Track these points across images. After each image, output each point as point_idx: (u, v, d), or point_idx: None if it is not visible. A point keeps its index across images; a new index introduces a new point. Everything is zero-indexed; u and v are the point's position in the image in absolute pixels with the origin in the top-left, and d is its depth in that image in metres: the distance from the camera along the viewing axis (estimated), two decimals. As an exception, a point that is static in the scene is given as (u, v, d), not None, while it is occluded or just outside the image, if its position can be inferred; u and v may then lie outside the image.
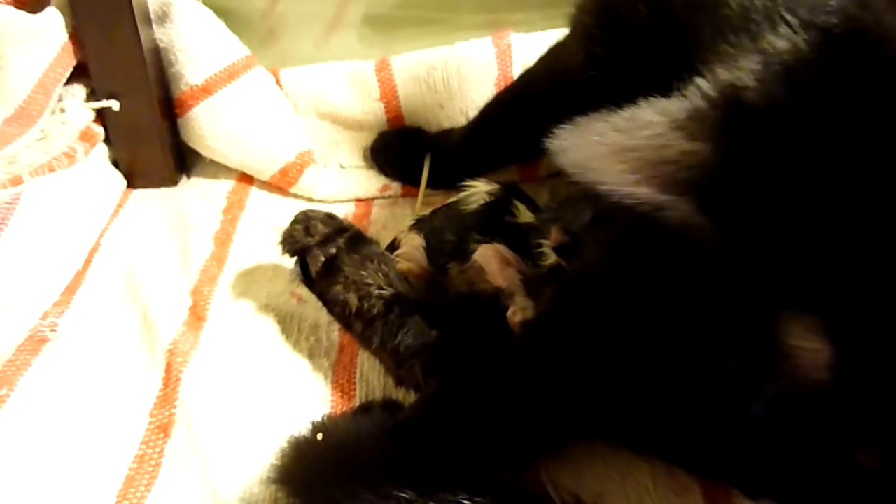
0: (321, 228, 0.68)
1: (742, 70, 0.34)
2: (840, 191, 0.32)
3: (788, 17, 0.35)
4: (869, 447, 0.46)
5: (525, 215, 0.68)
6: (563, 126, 0.35)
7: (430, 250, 0.70)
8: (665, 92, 0.36)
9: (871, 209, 0.32)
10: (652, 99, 0.35)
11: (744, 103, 0.33)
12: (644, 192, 0.33)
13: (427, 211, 0.75)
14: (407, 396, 0.63)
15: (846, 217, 0.32)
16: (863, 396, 0.34)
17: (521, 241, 0.65)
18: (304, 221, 0.69)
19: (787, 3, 0.35)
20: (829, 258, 0.33)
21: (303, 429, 0.55)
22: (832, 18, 0.33)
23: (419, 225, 0.73)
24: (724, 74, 0.35)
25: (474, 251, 0.67)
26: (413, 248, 0.71)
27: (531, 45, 0.83)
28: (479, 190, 0.71)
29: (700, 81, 0.35)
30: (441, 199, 0.75)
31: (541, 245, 0.63)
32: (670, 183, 0.33)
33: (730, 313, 0.37)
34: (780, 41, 0.34)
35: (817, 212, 0.32)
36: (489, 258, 0.66)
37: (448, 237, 0.69)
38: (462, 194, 0.72)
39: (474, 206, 0.70)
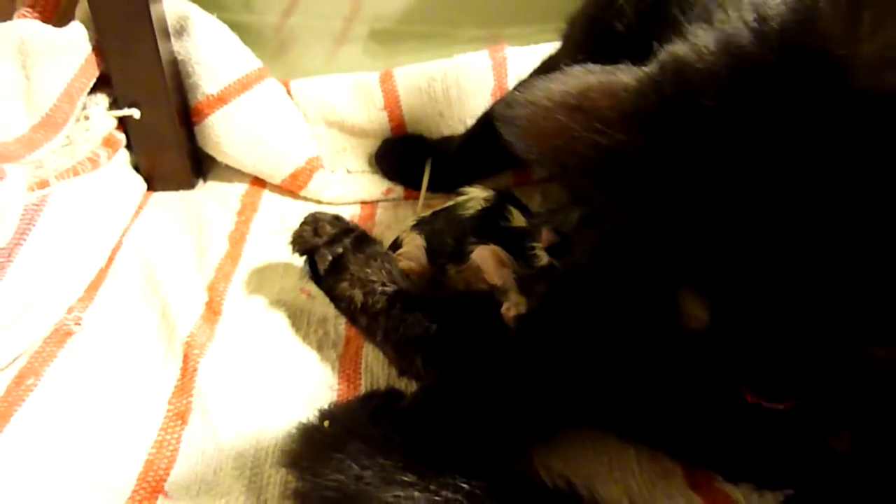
0: (329, 229, 0.69)
1: (696, 40, 0.35)
2: (732, 182, 0.33)
3: (748, 15, 0.35)
4: (840, 432, 0.47)
5: (518, 220, 0.69)
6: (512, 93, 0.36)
7: (429, 251, 0.71)
8: None
9: (752, 205, 0.33)
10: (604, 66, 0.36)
11: (688, 75, 0.34)
12: (553, 162, 0.34)
13: (427, 213, 0.75)
14: (409, 386, 0.64)
15: (731, 209, 0.33)
16: (733, 346, 0.38)
17: (514, 244, 0.66)
18: (313, 223, 0.69)
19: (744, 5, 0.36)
20: (714, 242, 0.34)
21: (311, 416, 0.55)
22: (780, 22, 0.34)
23: (420, 226, 0.73)
24: (678, 48, 0.35)
25: (471, 252, 0.67)
26: (414, 247, 0.71)
27: (525, 57, 0.84)
28: (475, 195, 0.72)
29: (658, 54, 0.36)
30: (441, 202, 0.75)
31: (533, 248, 0.64)
32: (582, 162, 0.34)
33: (642, 286, 0.40)
34: (738, 35, 0.34)
35: (709, 199, 0.34)
36: (486, 258, 0.66)
37: (447, 240, 0.70)
38: (459, 199, 0.72)
39: (471, 211, 0.70)
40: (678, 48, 0.36)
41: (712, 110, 0.33)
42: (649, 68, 0.36)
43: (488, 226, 0.69)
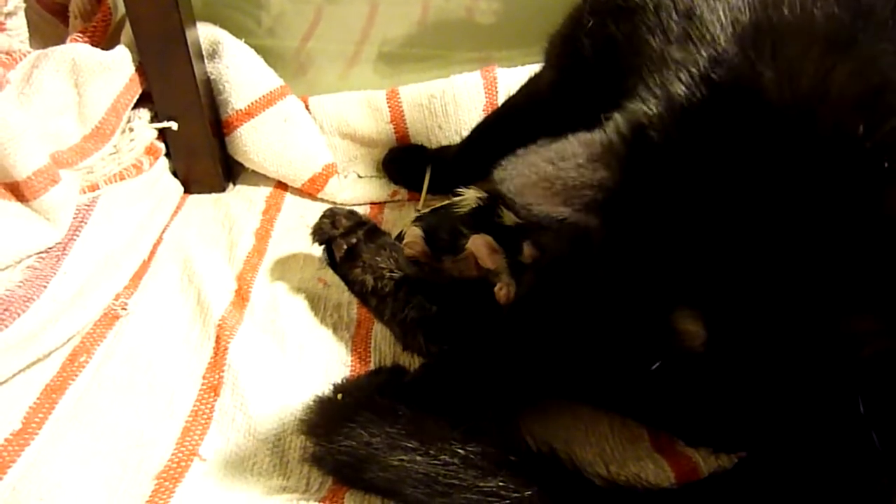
0: (344, 222, 0.68)
1: (649, 108, 0.35)
2: (713, 213, 0.33)
3: (691, 68, 0.35)
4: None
5: (508, 218, 0.67)
6: (506, 158, 0.36)
7: (427, 241, 0.70)
8: (600, 117, 0.37)
9: (732, 232, 0.33)
10: (579, 133, 0.36)
11: (646, 139, 0.34)
12: (561, 212, 0.34)
13: (427, 210, 0.75)
14: (412, 361, 0.63)
15: (716, 236, 0.33)
16: (730, 364, 0.37)
17: (504, 239, 0.65)
18: (331, 216, 0.69)
19: (694, 54, 0.36)
20: (702, 266, 0.34)
21: (326, 389, 0.55)
22: (722, 71, 0.34)
23: (420, 220, 0.72)
24: (635, 110, 0.36)
25: (466, 243, 0.66)
26: (415, 236, 0.71)
27: (513, 77, 0.83)
28: (470, 196, 0.71)
29: (616, 116, 0.36)
30: (439, 202, 0.75)
31: (522, 247, 0.63)
32: (582, 204, 0.34)
33: (639, 305, 0.39)
34: (681, 87, 0.35)
35: (695, 230, 0.34)
36: (480, 245, 0.65)
37: (442, 235, 0.69)
38: (455, 199, 0.72)
39: (465, 209, 0.70)
40: (633, 107, 0.36)
41: (664, 147, 0.34)
42: (607, 130, 0.36)
43: (481, 222, 0.68)
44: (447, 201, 0.73)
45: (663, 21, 0.39)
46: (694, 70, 0.35)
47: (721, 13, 0.36)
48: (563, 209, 0.34)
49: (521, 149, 0.36)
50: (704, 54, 0.35)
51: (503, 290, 0.61)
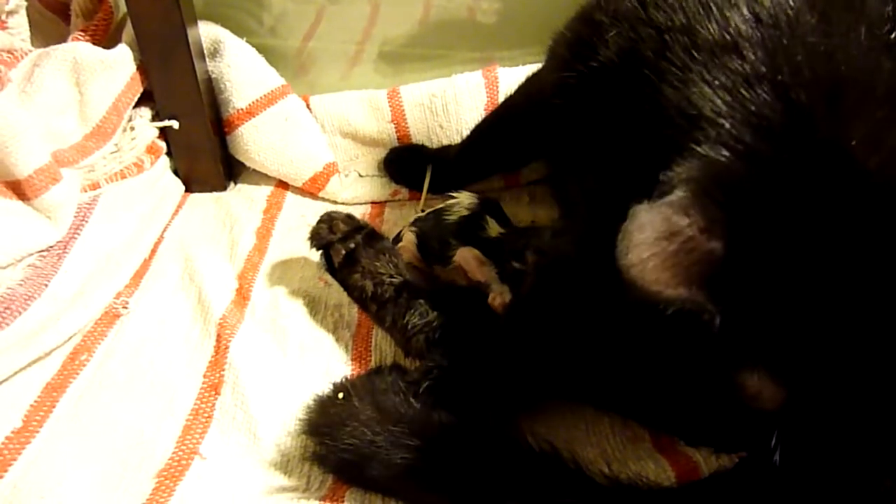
0: (342, 227, 0.67)
1: (730, 163, 0.32)
2: (809, 275, 0.31)
3: (760, 120, 0.33)
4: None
5: (493, 229, 0.67)
6: (623, 236, 0.32)
7: (420, 248, 0.70)
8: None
9: (822, 295, 0.31)
10: (659, 201, 0.32)
11: (736, 199, 0.32)
12: (683, 293, 0.31)
13: (423, 212, 0.74)
14: (413, 360, 0.62)
15: (804, 299, 0.32)
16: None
17: (491, 249, 0.65)
18: (328, 221, 0.68)
19: (755, 99, 0.33)
20: (789, 328, 0.33)
21: (326, 389, 0.54)
22: (800, 126, 0.32)
23: (416, 223, 0.72)
24: (712, 164, 0.33)
25: (453, 255, 0.66)
26: (409, 241, 0.71)
27: (515, 77, 0.82)
28: (461, 201, 0.70)
29: (694, 174, 0.33)
30: (439, 202, 0.74)
31: (508, 258, 0.62)
32: (694, 280, 0.31)
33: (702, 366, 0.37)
34: (757, 141, 0.32)
35: (789, 293, 0.32)
36: (468, 259, 0.66)
37: (433, 244, 0.69)
38: (449, 202, 0.71)
39: (454, 217, 0.69)
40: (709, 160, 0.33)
41: (754, 206, 0.31)
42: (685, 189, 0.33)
43: (467, 233, 0.68)
44: (441, 205, 0.72)
45: (702, 50, 0.37)
46: (762, 121, 0.32)
47: (769, 45, 0.34)
48: (682, 290, 0.31)
49: (629, 223, 0.32)
50: (769, 99, 0.33)
51: (497, 299, 0.61)
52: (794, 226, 0.32)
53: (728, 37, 0.37)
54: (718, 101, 0.35)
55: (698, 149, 0.34)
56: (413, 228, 0.71)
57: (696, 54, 0.38)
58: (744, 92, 0.34)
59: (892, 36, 0.33)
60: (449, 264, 0.67)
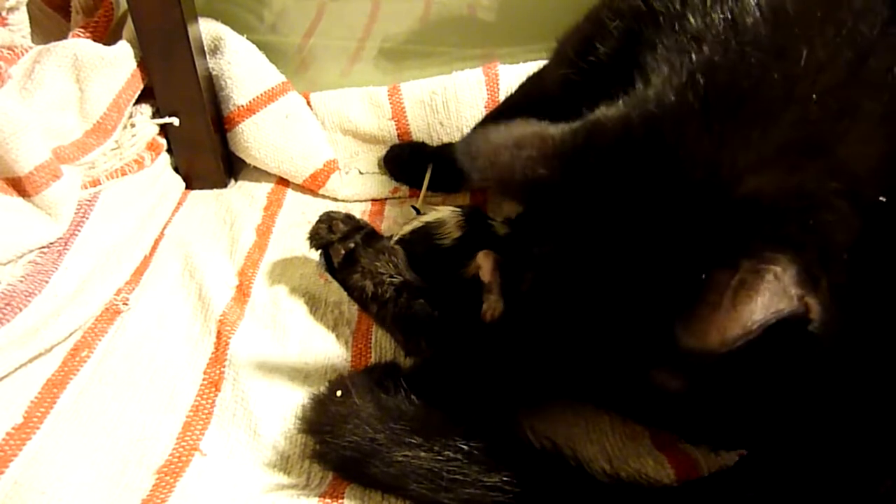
0: (341, 227, 0.66)
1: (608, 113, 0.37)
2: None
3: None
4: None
5: (500, 228, 0.66)
6: (473, 132, 0.38)
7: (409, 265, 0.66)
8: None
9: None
10: (545, 123, 0.38)
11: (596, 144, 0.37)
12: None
13: (407, 231, 0.69)
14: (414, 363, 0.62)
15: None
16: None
17: (503, 249, 0.63)
18: (327, 221, 0.67)
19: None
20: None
21: (324, 387, 0.54)
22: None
23: (400, 244, 0.68)
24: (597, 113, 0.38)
25: (466, 266, 0.64)
26: (487, 262, 0.65)
27: (515, 74, 0.83)
28: (443, 218, 0.67)
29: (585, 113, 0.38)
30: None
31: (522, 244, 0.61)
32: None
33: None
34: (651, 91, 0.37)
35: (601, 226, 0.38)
36: (487, 260, 0.63)
37: (424, 270, 0.65)
38: (429, 222, 0.68)
39: (448, 241, 0.67)
40: (597, 113, 0.39)
41: (601, 165, 0.37)
42: (573, 125, 0.39)
43: (471, 246, 0.65)
44: (419, 224, 0.68)
45: (681, 33, 0.40)
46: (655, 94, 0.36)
47: (717, 44, 0.37)
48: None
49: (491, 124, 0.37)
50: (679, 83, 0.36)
51: (489, 312, 0.60)
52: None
53: (703, 27, 0.40)
54: (659, 69, 0.40)
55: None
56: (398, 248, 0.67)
57: (676, 36, 0.41)
58: (674, 76, 0.38)
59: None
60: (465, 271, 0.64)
